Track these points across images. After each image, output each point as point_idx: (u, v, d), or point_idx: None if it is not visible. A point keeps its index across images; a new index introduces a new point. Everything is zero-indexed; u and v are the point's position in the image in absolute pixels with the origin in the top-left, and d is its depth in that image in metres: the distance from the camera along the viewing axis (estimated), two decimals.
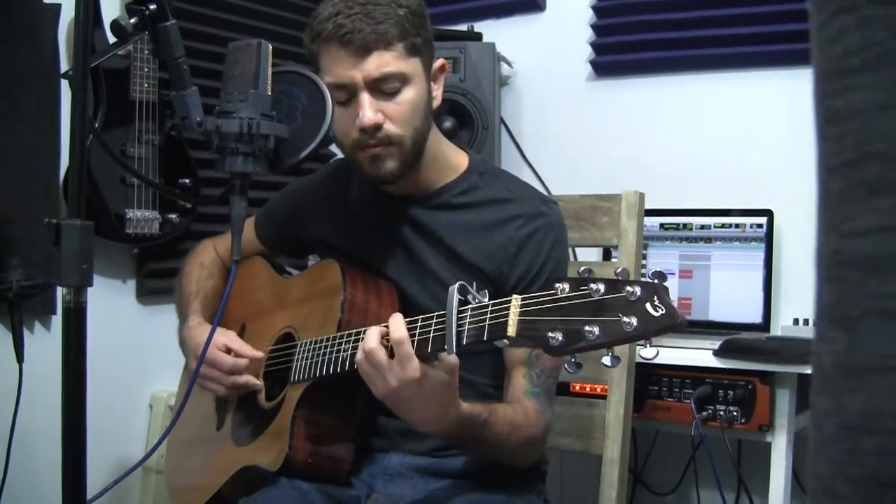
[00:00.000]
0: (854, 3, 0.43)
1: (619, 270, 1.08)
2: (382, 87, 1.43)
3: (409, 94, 1.45)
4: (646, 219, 2.21)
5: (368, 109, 1.42)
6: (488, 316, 1.18)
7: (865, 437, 0.41)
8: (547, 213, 1.56)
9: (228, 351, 1.61)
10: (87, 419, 1.05)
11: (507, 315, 1.15)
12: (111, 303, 2.45)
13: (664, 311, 1.01)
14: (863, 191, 0.42)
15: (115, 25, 1.08)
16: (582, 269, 1.11)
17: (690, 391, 2.08)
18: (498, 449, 1.42)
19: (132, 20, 1.09)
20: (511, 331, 1.14)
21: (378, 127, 1.44)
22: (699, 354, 2.07)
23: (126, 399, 2.51)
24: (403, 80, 1.44)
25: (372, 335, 1.28)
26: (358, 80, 1.42)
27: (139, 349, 2.51)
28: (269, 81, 1.22)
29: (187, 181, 2.41)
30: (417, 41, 1.45)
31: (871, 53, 0.42)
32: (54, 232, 1.01)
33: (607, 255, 2.45)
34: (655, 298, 1.02)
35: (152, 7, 1.09)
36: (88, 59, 1.00)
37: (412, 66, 1.45)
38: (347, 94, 1.44)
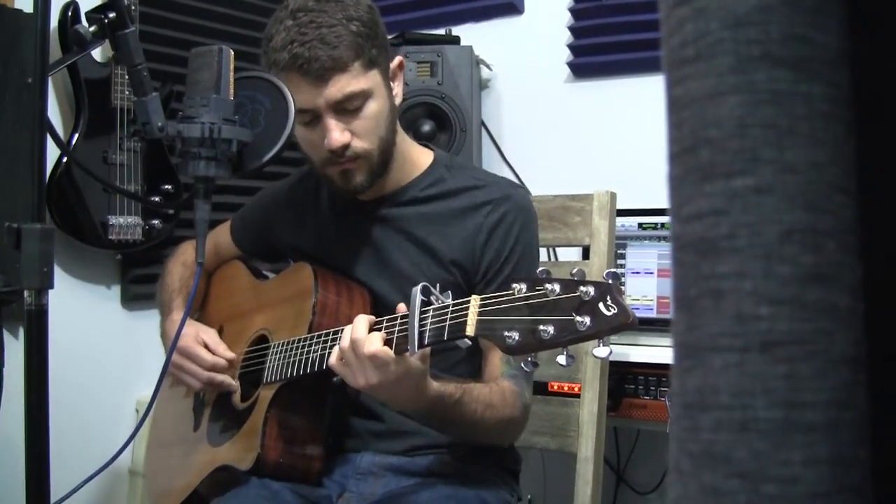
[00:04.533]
0: None
1: (574, 271, 1.09)
2: (346, 107, 1.45)
3: (372, 108, 1.47)
4: (624, 218, 2.22)
5: (335, 132, 1.44)
6: (449, 316, 1.20)
7: (701, 413, 0.43)
8: (514, 196, 1.57)
9: (207, 347, 1.64)
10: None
11: (466, 315, 1.18)
12: (96, 308, 2.47)
13: (616, 311, 1.03)
14: (697, 176, 0.44)
15: (75, 34, 1.09)
16: (540, 269, 1.12)
17: (667, 388, 2.10)
18: (472, 427, 1.43)
19: (91, 28, 1.10)
20: (470, 330, 1.17)
21: (346, 146, 1.46)
22: None
23: (112, 404, 2.53)
24: (365, 95, 1.46)
25: (346, 335, 1.31)
26: (321, 105, 1.43)
27: (124, 354, 2.52)
28: (232, 86, 1.23)
29: (169, 187, 2.43)
30: (373, 53, 1.46)
31: (703, 43, 0.44)
32: (14, 236, 1.03)
33: (587, 254, 2.46)
34: (608, 298, 1.04)
35: (111, 15, 1.11)
36: (47, 68, 1.02)
37: (371, 79, 1.46)
38: (311, 117, 1.46)
